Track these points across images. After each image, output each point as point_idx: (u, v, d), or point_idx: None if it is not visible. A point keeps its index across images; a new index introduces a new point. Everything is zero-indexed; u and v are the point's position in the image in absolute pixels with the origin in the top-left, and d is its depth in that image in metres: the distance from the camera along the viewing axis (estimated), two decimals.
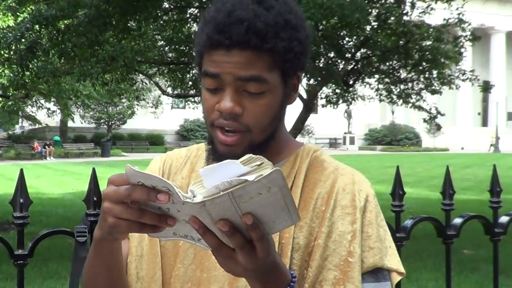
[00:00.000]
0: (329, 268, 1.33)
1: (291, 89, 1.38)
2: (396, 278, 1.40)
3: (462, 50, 13.81)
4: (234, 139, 1.32)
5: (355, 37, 12.73)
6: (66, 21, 11.24)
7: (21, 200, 2.16)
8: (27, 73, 12.21)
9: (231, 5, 1.28)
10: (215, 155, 1.36)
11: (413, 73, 13.95)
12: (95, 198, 2.26)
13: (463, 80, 14.52)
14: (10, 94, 18.95)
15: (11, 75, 14.93)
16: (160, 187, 1.04)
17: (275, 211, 1.05)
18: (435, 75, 13.91)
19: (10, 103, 23.16)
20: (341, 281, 1.32)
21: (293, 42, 1.30)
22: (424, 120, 15.74)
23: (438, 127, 16.04)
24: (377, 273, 1.37)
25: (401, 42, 12.95)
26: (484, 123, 67.68)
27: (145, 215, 1.08)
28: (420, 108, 14.90)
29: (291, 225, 1.13)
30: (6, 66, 15.05)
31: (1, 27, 15.32)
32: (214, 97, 1.32)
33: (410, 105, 14.78)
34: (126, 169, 1.06)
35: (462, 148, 58.00)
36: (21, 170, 2.15)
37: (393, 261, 1.40)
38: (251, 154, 1.08)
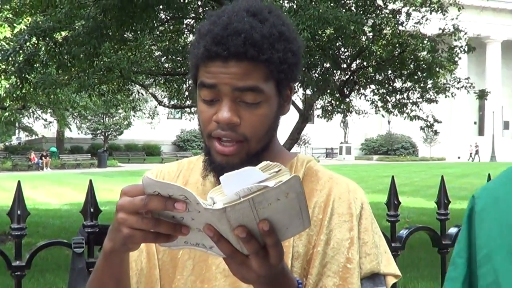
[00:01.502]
0: (328, 275, 1.35)
1: (285, 100, 1.41)
2: (392, 280, 1.43)
3: (457, 59, 13.85)
4: (232, 149, 1.33)
5: (350, 48, 12.76)
6: (63, 33, 11.25)
7: (19, 212, 2.17)
8: (25, 85, 12.19)
9: (227, 18, 1.31)
10: (212, 165, 1.37)
11: (408, 83, 13.98)
12: (92, 209, 2.27)
13: (458, 88, 14.54)
14: (7, 105, 18.92)
15: (9, 86, 14.90)
16: (177, 196, 1.04)
17: (289, 217, 1.07)
18: (430, 85, 13.94)
19: (6, 114, 23.08)
20: (341, 287, 1.34)
21: (287, 53, 1.33)
22: (421, 128, 15.74)
23: (435, 133, 16.03)
24: (374, 278, 1.40)
25: (396, 52, 12.99)
26: (481, 132, 67.71)
27: (161, 224, 1.09)
28: (416, 118, 14.90)
29: (301, 231, 1.14)
30: (3, 78, 15.03)
31: None
32: (210, 108, 1.34)
33: (405, 115, 14.77)
34: (143, 179, 1.06)
35: (459, 158, 58.01)
36: (19, 182, 2.16)
37: (390, 266, 1.43)
38: (268, 161, 1.09)
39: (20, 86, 12.08)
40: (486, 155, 56.27)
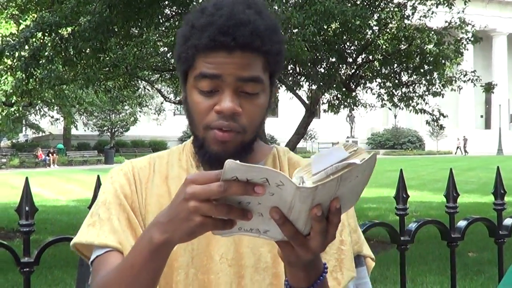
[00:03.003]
0: (325, 258, 1.37)
1: (273, 92, 1.43)
2: (371, 263, 1.53)
3: (463, 51, 13.79)
4: (231, 135, 1.33)
5: (356, 42, 12.73)
6: (69, 28, 11.26)
7: (27, 208, 2.17)
8: (31, 80, 12.19)
9: (229, 9, 1.30)
10: (207, 156, 1.36)
11: (414, 76, 13.93)
12: None
13: (464, 81, 14.48)
14: (14, 102, 18.97)
15: (15, 82, 14.93)
16: (257, 180, 1.01)
17: (352, 193, 1.08)
18: (436, 76, 13.88)
19: (12, 109, 23.14)
20: (338, 268, 1.41)
21: (281, 45, 1.36)
22: (427, 122, 15.68)
23: (441, 127, 15.96)
24: (358, 259, 1.49)
25: (402, 46, 12.95)
26: (487, 125, 67.57)
27: (232, 211, 1.05)
28: (422, 111, 14.85)
29: (349, 209, 1.15)
30: (9, 74, 15.08)
31: (4, 34, 15.36)
32: (208, 99, 1.34)
33: (411, 108, 14.70)
34: (227, 164, 1.00)
35: (466, 151, 57.98)
36: (27, 179, 2.16)
37: (367, 249, 1.52)
38: (346, 141, 1.09)
39: (26, 81, 12.07)
40: (493, 149, 56.17)
